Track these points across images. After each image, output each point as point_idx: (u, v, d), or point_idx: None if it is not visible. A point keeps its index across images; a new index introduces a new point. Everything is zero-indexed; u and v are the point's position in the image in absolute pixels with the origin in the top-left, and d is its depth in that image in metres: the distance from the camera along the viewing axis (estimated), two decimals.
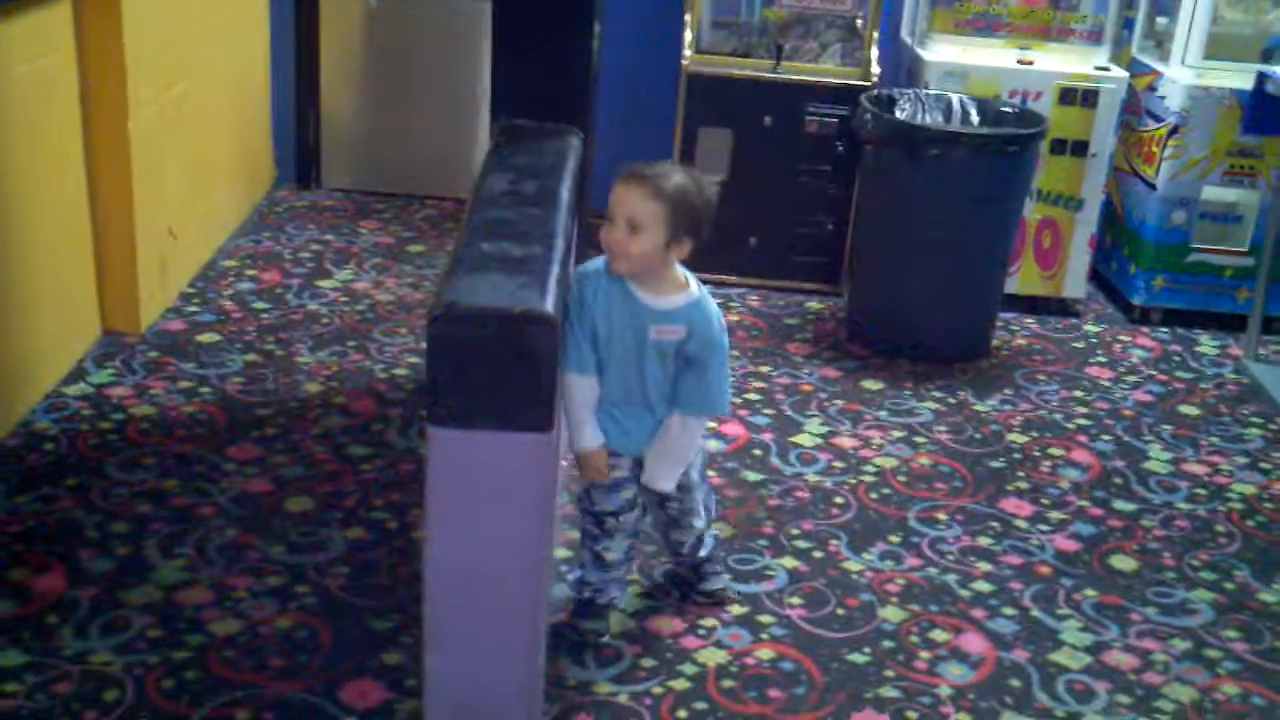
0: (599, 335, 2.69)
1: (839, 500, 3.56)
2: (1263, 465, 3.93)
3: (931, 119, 4.60)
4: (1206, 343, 4.83)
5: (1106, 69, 4.82)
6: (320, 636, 2.84)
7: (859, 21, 4.94)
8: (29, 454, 3.45)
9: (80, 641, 2.76)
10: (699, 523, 2.98)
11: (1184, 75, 4.76)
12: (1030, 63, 4.80)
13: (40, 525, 3.14)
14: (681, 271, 2.76)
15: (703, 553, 3.02)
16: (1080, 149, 4.79)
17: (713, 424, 3.91)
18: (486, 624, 2.44)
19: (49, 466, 3.40)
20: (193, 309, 4.42)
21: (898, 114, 4.57)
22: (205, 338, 4.22)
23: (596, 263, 2.73)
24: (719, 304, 4.63)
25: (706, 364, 2.74)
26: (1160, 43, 5.02)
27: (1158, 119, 4.83)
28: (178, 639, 2.79)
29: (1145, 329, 4.92)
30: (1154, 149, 4.84)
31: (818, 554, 3.30)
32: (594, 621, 2.92)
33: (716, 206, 2.72)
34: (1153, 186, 4.84)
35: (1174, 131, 4.74)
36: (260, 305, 4.50)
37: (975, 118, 4.60)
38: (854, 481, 3.66)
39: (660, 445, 2.79)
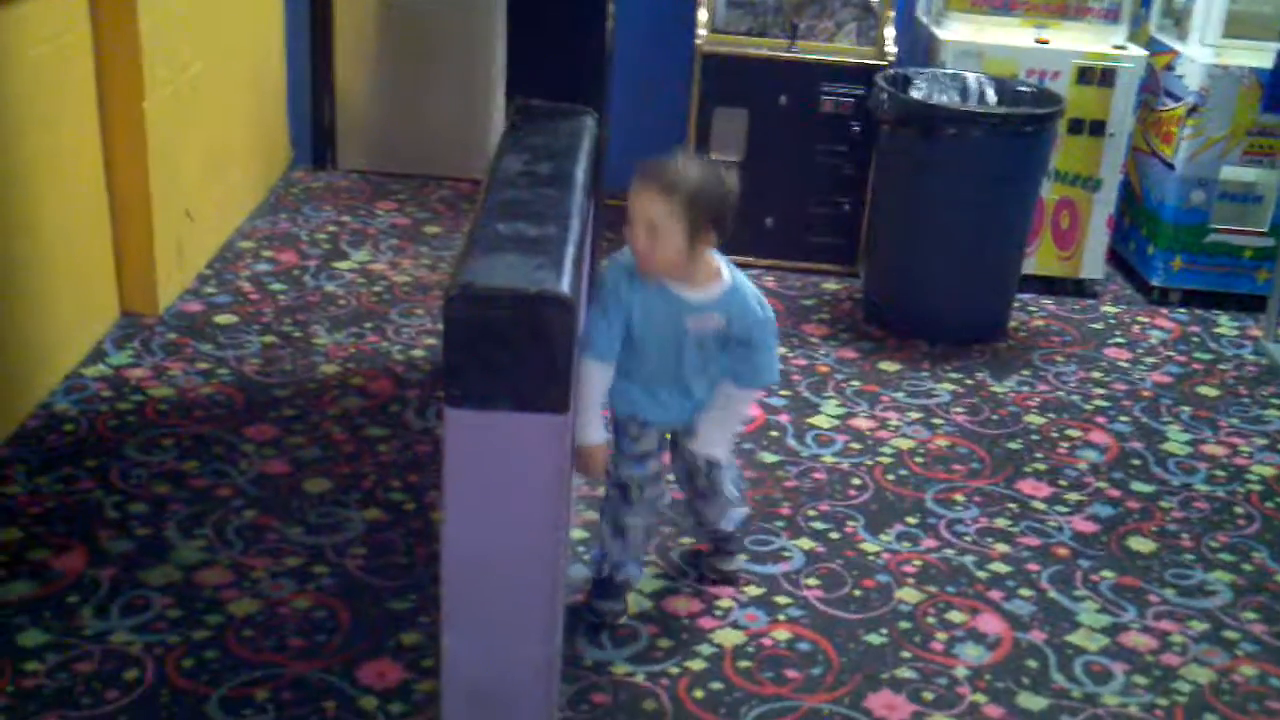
0: (633, 325, 2.70)
1: (856, 481, 3.56)
2: None
3: (948, 99, 4.57)
4: (1226, 323, 4.81)
5: (1124, 48, 4.79)
6: (338, 617, 2.85)
7: (875, 0, 4.92)
8: (49, 435, 3.46)
9: (100, 621, 2.78)
10: (729, 494, 3.00)
11: (1203, 54, 4.72)
12: (1047, 42, 4.77)
13: (60, 506, 3.16)
14: (714, 259, 2.75)
15: (729, 526, 3.03)
16: (1098, 129, 4.77)
17: None
18: (503, 604, 2.44)
19: (69, 448, 3.41)
20: (210, 290, 4.43)
21: (914, 94, 4.55)
22: (223, 319, 4.23)
23: (629, 254, 2.72)
24: None
25: (754, 342, 2.77)
26: (1179, 21, 4.98)
27: (1176, 98, 4.80)
28: (197, 619, 2.81)
29: (1164, 310, 4.89)
30: (1172, 129, 4.81)
31: (834, 535, 3.30)
32: (611, 602, 2.92)
33: (737, 193, 2.70)
34: (1171, 166, 4.81)
35: (1193, 111, 4.71)
36: (277, 287, 4.51)
37: (992, 97, 4.58)
38: (871, 463, 3.66)
39: (713, 414, 2.83)
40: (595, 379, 2.71)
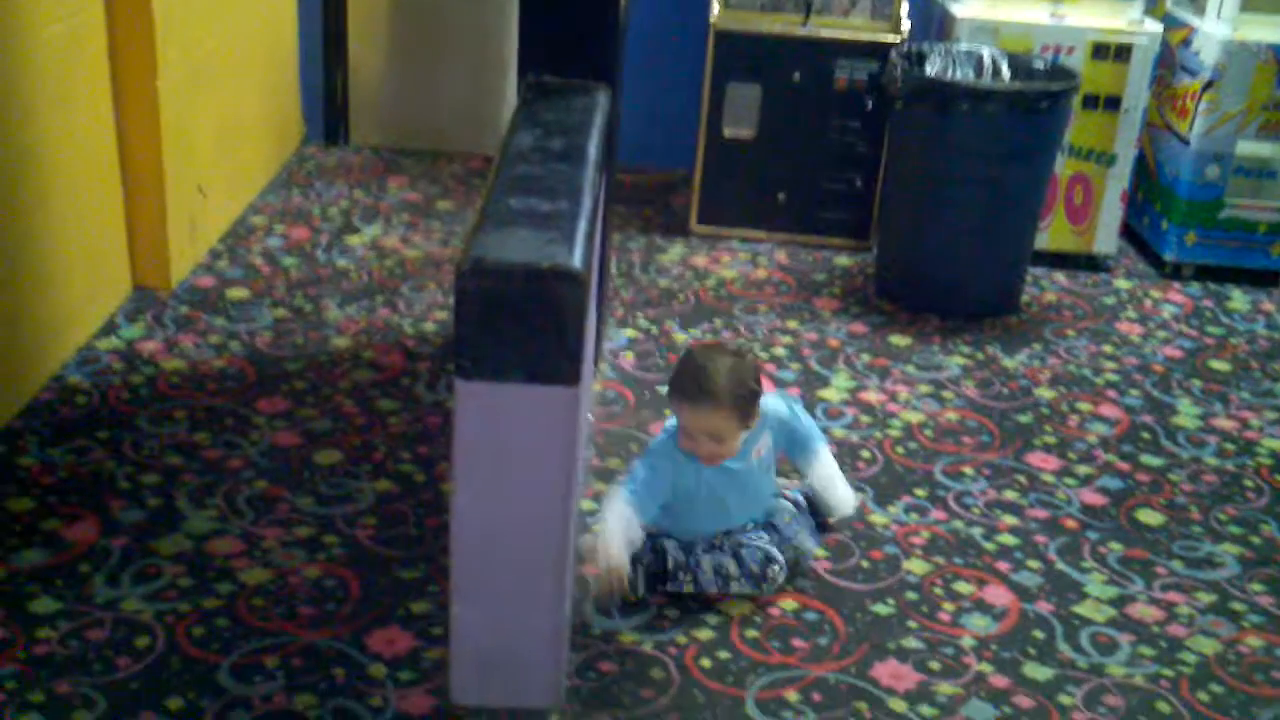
0: (685, 491, 2.90)
1: (865, 454, 3.56)
2: None
3: (962, 74, 4.56)
4: (1239, 298, 4.79)
5: (1140, 23, 4.76)
6: (349, 586, 2.87)
7: None
8: (62, 407, 3.49)
9: (112, 590, 2.80)
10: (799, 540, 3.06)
11: (1219, 29, 4.70)
12: (1063, 17, 4.75)
13: (73, 477, 3.19)
14: None
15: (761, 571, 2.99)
16: (1113, 104, 4.75)
17: None
18: (513, 574, 2.46)
19: (81, 419, 3.44)
20: (222, 265, 4.45)
21: (928, 69, 4.54)
22: (235, 293, 4.25)
23: (664, 444, 2.92)
24: (748, 259, 4.62)
25: (797, 426, 3.09)
26: None
27: (1192, 73, 4.77)
28: (208, 588, 2.83)
29: (1176, 284, 4.88)
30: (1188, 104, 4.79)
31: None
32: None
33: (757, 364, 3.01)
34: (1186, 142, 4.79)
35: (1208, 86, 4.68)
36: (289, 261, 4.52)
37: (1007, 73, 4.56)
38: (880, 435, 3.67)
39: (823, 478, 3.06)
40: (626, 522, 2.79)
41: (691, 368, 2.84)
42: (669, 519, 2.93)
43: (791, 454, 3.11)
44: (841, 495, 3.08)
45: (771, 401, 3.02)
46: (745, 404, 2.84)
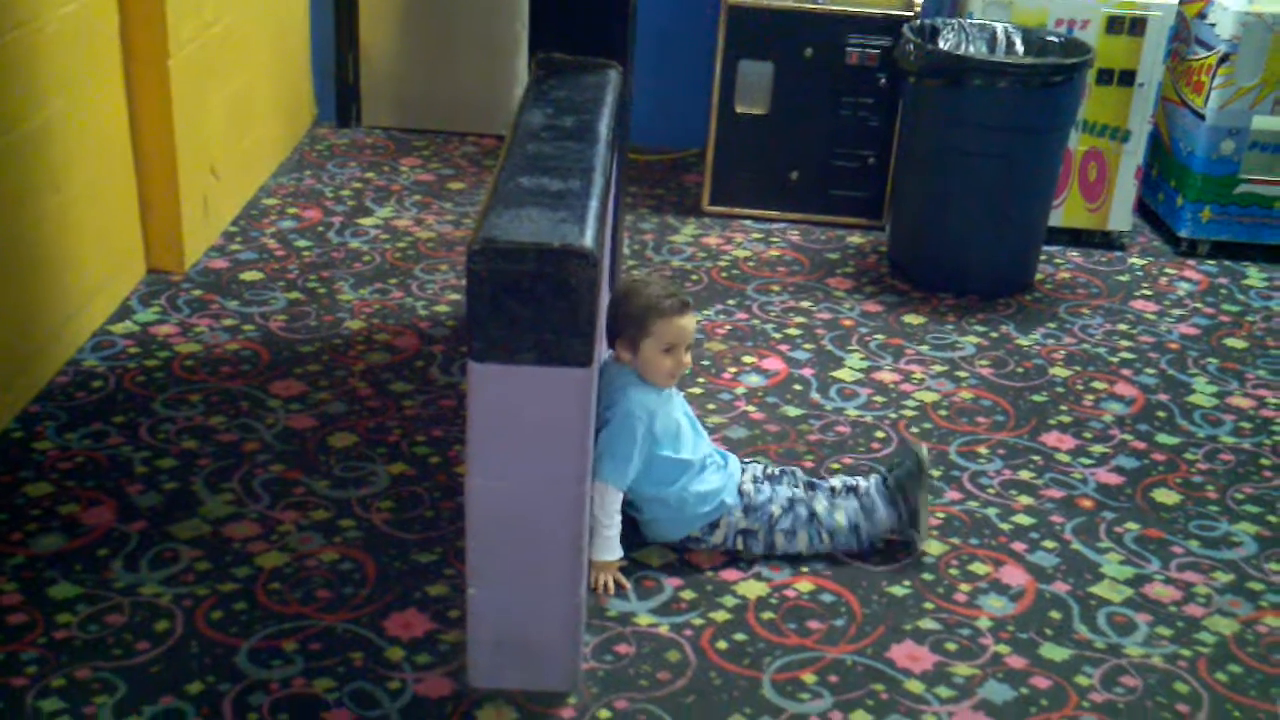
0: (677, 438, 2.94)
1: (879, 435, 3.56)
2: None
3: (975, 49, 4.53)
4: (1255, 275, 4.77)
5: None
6: (365, 569, 2.88)
7: None
8: (77, 392, 3.50)
9: (130, 574, 2.81)
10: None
11: (1235, 1, 4.65)
12: None
13: (89, 461, 3.20)
14: None
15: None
16: (1127, 79, 4.71)
17: (752, 359, 3.91)
18: (528, 556, 2.46)
19: (97, 404, 3.45)
20: (235, 247, 4.45)
21: (941, 44, 4.51)
22: (248, 276, 4.25)
23: (642, 393, 2.88)
24: (761, 239, 4.62)
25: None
26: None
27: (1207, 47, 4.74)
28: (225, 572, 2.84)
29: (1192, 261, 4.86)
30: (1203, 78, 4.75)
31: None
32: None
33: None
34: (1201, 116, 4.76)
35: (1224, 60, 4.65)
36: (302, 243, 4.52)
37: (1020, 48, 4.53)
38: (894, 416, 3.66)
39: None
40: (613, 502, 2.84)
41: (656, 288, 2.90)
42: (654, 476, 2.91)
43: None
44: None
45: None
46: None
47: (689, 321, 2.89)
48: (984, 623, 2.83)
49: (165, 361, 3.68)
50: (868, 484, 3.06)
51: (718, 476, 2.97)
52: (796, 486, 3.06)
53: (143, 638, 2.63)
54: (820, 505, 2.99)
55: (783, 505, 2.98)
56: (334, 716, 2.46)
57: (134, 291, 4.06)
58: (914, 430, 3.58)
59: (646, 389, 2.89)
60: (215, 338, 3.84)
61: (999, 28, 4.56)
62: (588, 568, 2.65)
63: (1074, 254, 4.87)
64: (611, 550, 2.86)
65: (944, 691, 2.63)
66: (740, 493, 2.98)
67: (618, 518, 2.86)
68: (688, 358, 2.92)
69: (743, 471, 3.06)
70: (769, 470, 3.12)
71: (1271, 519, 3.27)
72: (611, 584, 2.85)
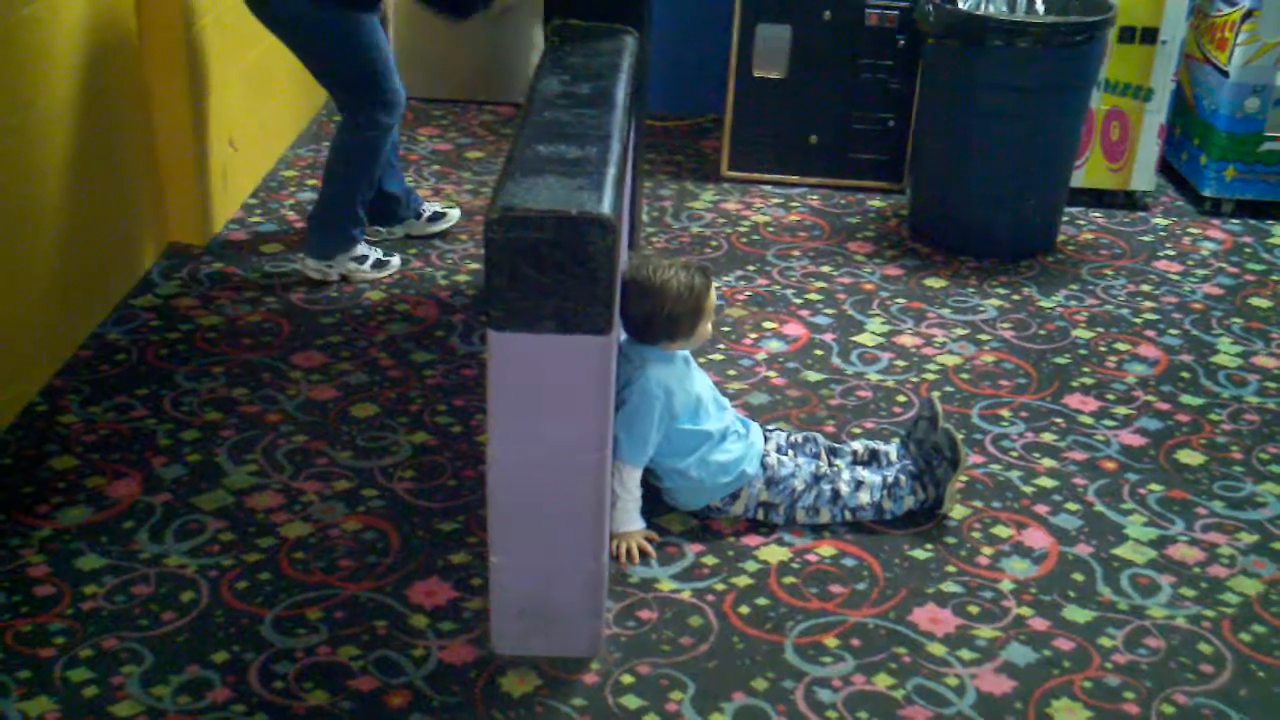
0: (698, 410, 2.94)
1: (901, 399, 3.55)
2: None
3: (995, 8, 4.49)
4: (1279, 234, 4.72)
5: None
6: (388, 538, 2.89)
7: None
8: (101, 365, 3.51)
9: (156, 545, 2.83)
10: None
11: None
12: None
13: (114, 434, 3.22)
14: None
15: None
16: (1150, 36, 4.66)
17: (773, 324, 3.90)
18: (550, 524, 2.47)
19: (121, 377, 3.46)
20: (255, 219, 4.46)
21: (960, 4, 4.47)
22: (269, 247, 4.26)
23: (661, 370, 2.86)
24: (780, 204, 4.60)
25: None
26: None
27: (1231, 3, 4.68)
28: (250, 542, 2.86)
29: (1216, 221, 4.82)
30: (1227, 34, 4.70)
31: None
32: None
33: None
34: (1225, 74, 4.71)
35: (1248, 15, 4.59)
36: None
37: (1040, 6, 4.48)
38: (916, 380, 3.65)
39: None
40: (634, 481, 2.86)
41: (676, 277, 2.84)
42: (673, 447, 2.91)
43: None
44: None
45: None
46: None
47: (713, 287, 2.94)
48: (1006, 585, 2.83)
49: (187, 334, 3.70)
50: (888, 450, 3.06)
51: (738, 445, 2.97)
52: (819, 456, 3.06)
53: (169, 608, 2.65)
54: (844, 484, 2.97)
55: (806, 481, 2.96)
56: (359, 684, 2.48)
57: (155, 265, 4.08)
58: (935, 394, 3.56)
59: (664, 366, 2.88)
60: (236, 310, 3.85)
61: None
62: (609, 536, 2.66)
63: (1096, 215, 4.83)
64: (632, 521, 2.87)
65: (967, 654, 2.63)
66: (763, 464, 2.97)
67: (637, 491, 2.87)
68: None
69: (766, 440, 3.05)
70: (792, 438, 3.11)
71: None
72: (635, 551, 2.86)
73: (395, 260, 4.14)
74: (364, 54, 3.78)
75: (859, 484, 2.98)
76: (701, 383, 3.00)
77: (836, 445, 3.12)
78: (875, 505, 2.98)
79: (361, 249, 4.08)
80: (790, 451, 3.06)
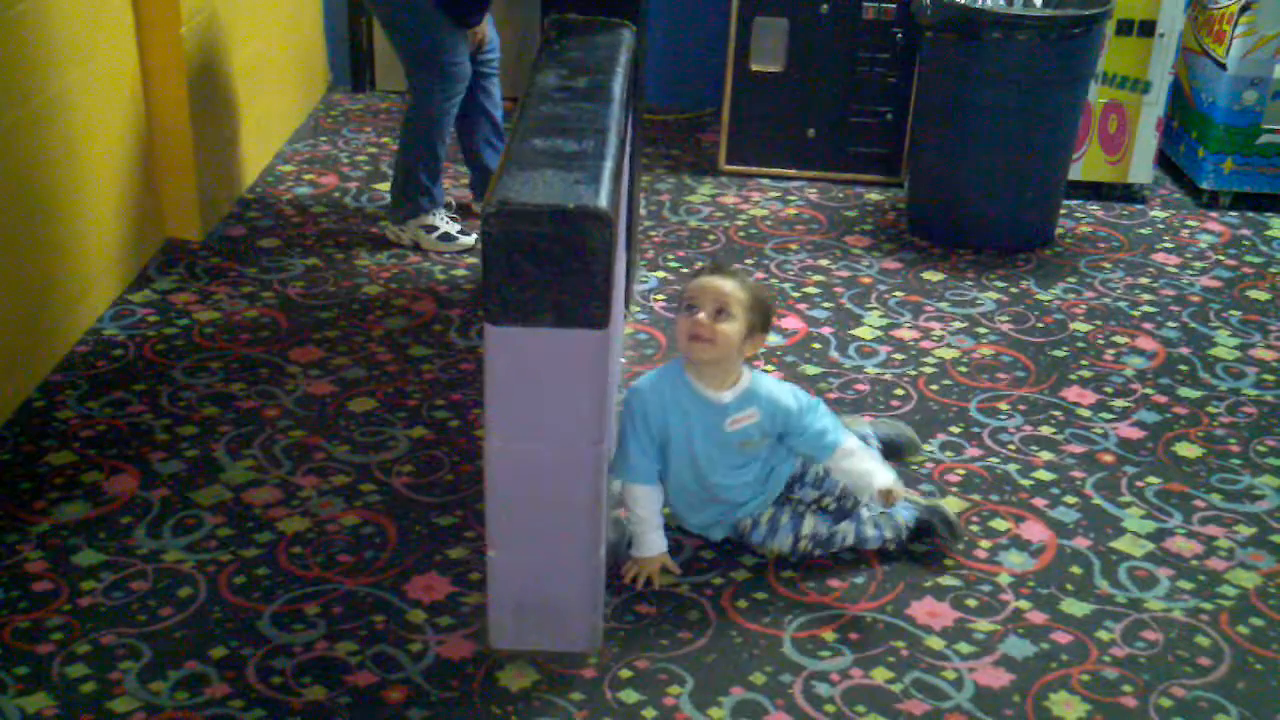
0: (671, 442, 2.75)
1: (899, 392, 3.55)
2: None
3: (992, 1, 4.49)
4: (1277, 226, 4.72)
5: None
6: (386, 533, 2.89)
7: None
8: (98, 360, 3.51)
9: (153, 541, 2.83)
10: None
11: None
12: None
13: (111, 429, 3.21)
14: (743, 368, 2.79)
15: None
16: (1148, 29, 4.66)
17: None
18: (547, 518, 2.47)
19: (118, 372, 3.46)
20: (252, 214, 4.45)
21: None
22: (266, 242, 4.25)
23: (651, 377, 2.77)
24: (778, 197, 4.60)
25: (803, 426, 2.80)
26: None
27: None
28: (247, 537, 2.86)
29: (1214, 213, 4.81)
30: (1225, 27, 4.70)
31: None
32: None
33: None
34: (1223, 66, 4.70)
35: (1246, 8, 4.59)
36: (319, 209, 4.52)
37: None
38: (914, 373, 3.65)
39: (847, 473, 2.82)
40: (646, 500, 2.76)
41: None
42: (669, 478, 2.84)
43: (802, 450, 2.85)
44: (874, 482, 2.79)
45: (779, 386, 2.83)
46: (758, 307, 2.71)
47: (718, 279, 2.69)
48: (1004, 579, 2.83)
49: (184, 329, 3.70)
50: (902, 520, 2.92)
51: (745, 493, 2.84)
52: (828, 519, 2.89)
53: (166, 604, 2.65)
54: (850, 541, 2.87)
55: (811, 539, 2.85)
56: (357, 679, 2.48)
57: (152, 260, 4.07)
58: (933, 387, 3.56)
59: (661, 376, 2.76)
60: (234, 305, 3.85)
61: None
62: (607, 528, 2.66)
63: (1094, 207, 4.83)
64: (648, 545, 2.76)
65: (965, 648, 2.63)
66: (772, 525, 2.86)
67: (643, 511, 2.76)
68: (715, 323, 2.64)
69: (781, 493, 2.89)
70: (798, 499, 2.92)
71: None
72: (642, 579, 2.76)
73: (464, 239, 4.24)
74: (425, 32, 3.99)
75: (864, 540, 2.88)
76: (712, 419, 2.75)
77: (845, 509, 2.93)
78: (880, 550, 2.90)
79: (431, 218, 4.21)
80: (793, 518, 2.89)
